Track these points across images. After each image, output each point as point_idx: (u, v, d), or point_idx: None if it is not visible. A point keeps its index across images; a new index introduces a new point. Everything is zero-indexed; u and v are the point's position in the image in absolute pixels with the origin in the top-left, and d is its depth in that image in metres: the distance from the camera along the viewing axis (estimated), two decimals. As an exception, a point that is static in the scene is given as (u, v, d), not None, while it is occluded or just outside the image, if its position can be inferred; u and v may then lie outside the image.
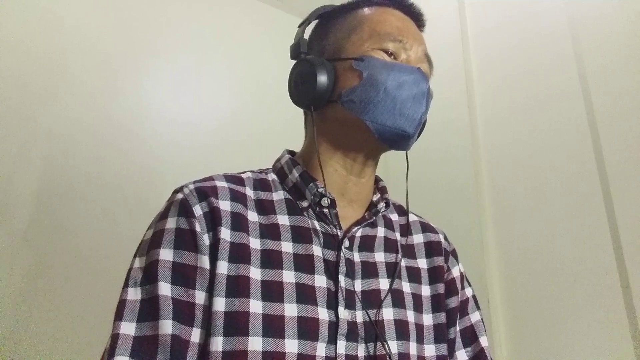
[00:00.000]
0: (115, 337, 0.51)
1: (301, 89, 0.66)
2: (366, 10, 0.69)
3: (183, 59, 1.54)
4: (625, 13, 1.00)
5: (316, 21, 0.73)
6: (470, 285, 0.75)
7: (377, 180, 0.73)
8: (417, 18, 0.72)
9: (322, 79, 0.63)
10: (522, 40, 1.21)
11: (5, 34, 1.22)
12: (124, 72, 1.40)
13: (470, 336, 0.69)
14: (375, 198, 0.70)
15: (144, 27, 1.48)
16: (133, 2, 1.48)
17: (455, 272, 0.72)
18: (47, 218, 1.18)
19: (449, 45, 1.35)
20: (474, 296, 0.74)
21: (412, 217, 0.76)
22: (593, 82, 1.03)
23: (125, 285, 0.55)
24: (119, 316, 0.52)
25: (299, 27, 0.71)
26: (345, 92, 0.63)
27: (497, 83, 1.25)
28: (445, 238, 0.76)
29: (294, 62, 0.69)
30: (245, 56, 1.67)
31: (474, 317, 0.71)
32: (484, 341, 0.69)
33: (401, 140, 0.63)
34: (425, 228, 0.75)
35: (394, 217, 0.73)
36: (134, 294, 0.53)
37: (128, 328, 0.51)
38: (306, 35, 0.72)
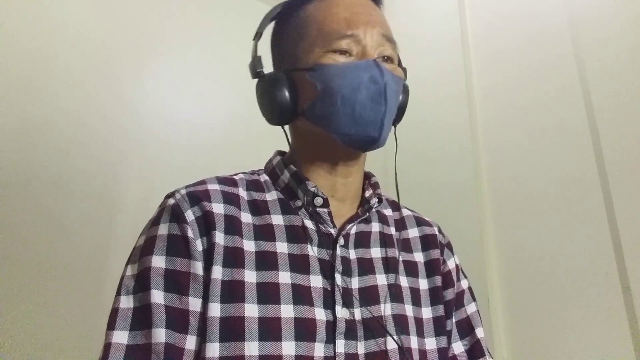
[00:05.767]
0: (107, 347, 0.50)
1: (267, 108, 0.65)
2: (312, 5, 0.65)
3: (183, 59, 1.54)
4: (625, 13, 1.00)
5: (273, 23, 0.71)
6: (466, 277, 0.75)
7: (370, 176, 0.73)
8: None
9: (281, 96, 0.62)
10: (522, 40, 1.20)
11: (5, 34, 1.22)
12: (124, 72, 1.40)
13: (466, 328, 0.70)
14: (367, 194, 0.70)
15: (144, 27, 1.48)
16: (133, 2, 1.48)
17: (451, 264, 0.73)
18: (46, 218, 1.18)
19: (449, 45, 1.34)
20: (469, 288, 0.74)
21: (406, 212, 0.76)
22: (593, 82, 1.03)
23: (118, 293, 0.54)
24: (111, 325, 0.52)
25: (253, 39, 0.69)
26: (307, 107, 0.62)
27: (497, 83, 1.25)
28: (440, 231, 0.76)
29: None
30: (245, 56, 1.67)
31: (470, 308, 0.71)
32: (480, 332, 0.70)
33: (370, 144, 0.62)
34: (420, 222, 0.75)
35: (388, 212, 0.73)
36: (127, 302, 0.53)
37: (121, 337, 0.51)
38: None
